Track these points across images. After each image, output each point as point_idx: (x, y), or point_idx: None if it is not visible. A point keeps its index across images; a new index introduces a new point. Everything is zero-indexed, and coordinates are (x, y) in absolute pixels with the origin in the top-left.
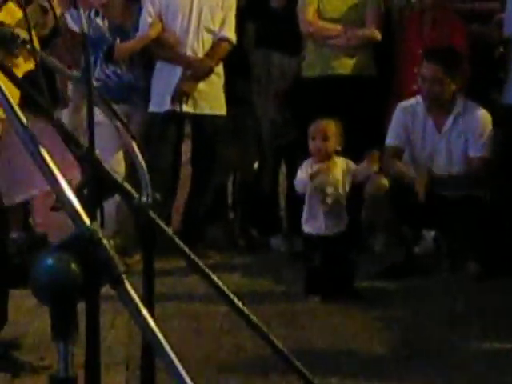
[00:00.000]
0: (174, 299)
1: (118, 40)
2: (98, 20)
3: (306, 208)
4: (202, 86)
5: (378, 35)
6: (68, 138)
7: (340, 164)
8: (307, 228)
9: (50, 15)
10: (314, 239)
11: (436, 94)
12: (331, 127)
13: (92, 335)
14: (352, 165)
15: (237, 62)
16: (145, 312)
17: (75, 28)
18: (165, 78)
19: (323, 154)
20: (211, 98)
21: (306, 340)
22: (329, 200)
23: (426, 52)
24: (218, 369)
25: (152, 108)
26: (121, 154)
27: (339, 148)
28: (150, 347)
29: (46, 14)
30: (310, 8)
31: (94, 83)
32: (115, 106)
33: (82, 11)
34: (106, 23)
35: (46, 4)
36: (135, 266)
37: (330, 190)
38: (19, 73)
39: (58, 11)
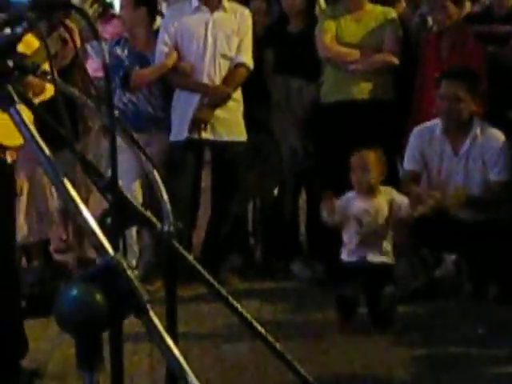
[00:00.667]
0: (196, 326)
1: (137, 67)
2: (118, 49)
3: (345, 236)
4: (220, 112)
5: (396, 60)
6: (90, 169)
7: (384, 194)
8: (346, 257)
9: (69, 46)
10: (351, 268)
11: (456, 112)
12: (371, 157)
13: (116, 363)
14: (395, 194)
15: (256, 89)
16: (169, 341)
17: (96, 59)
18: (182, 107)
19: (365, 186)
20: (230, 124)
21: (331, 366)
22: (364, 230)
23: (446, 72)
24: None
25: (172, 137)
26: (138, 182)
27: (382, 178)
28: (174, 376)
29: (65, 45)
30: (327, 33)
31: None
32: (134, 135)
33: (103, 43)
34: (126, 52)
35: (67, 35)
36: (156, 293)
37: (366, 218)
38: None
39: (78, 42)
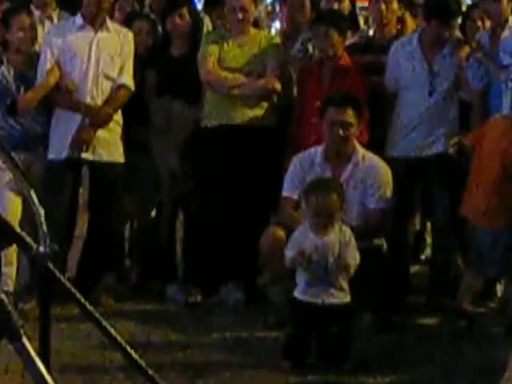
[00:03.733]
0: (69, 347)
1: (22, 89)
2: (3, 68)
3: (300, 274)
4: (101, 133)
5: (278, 86)
6: None
7: (339, 231)
8: (300, 295)
9: None
10: (305, 307)
11: (345, 138)
12: (336, 203)
13: None
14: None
15: (137, 111)
16: (41, 366)
17: None
18: (63, 126)
19: (321, 228)
20: (110, 145)
21: None
22: (312, 267)
23: (331, 97)
24: None
25: (51, 155)
26: (19, 200)
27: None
28: None
29: None
30: (210, 57)
31: None
32: (15, 155)
33: None
34: (12, 71)
35: None
36: (31, 312)
37: (315, 257)
38: None
39: None
